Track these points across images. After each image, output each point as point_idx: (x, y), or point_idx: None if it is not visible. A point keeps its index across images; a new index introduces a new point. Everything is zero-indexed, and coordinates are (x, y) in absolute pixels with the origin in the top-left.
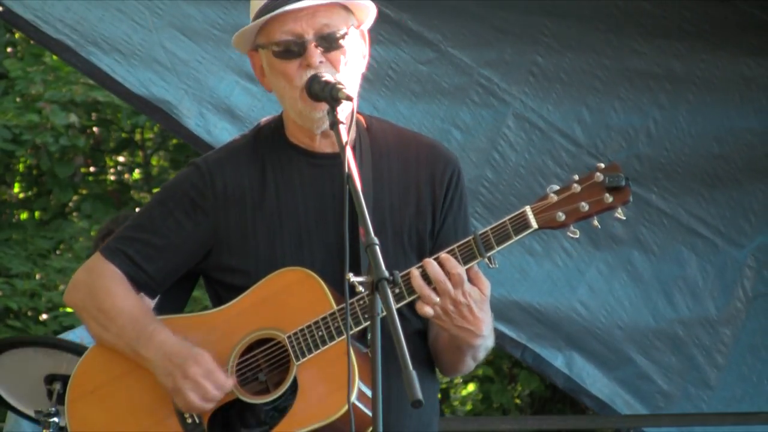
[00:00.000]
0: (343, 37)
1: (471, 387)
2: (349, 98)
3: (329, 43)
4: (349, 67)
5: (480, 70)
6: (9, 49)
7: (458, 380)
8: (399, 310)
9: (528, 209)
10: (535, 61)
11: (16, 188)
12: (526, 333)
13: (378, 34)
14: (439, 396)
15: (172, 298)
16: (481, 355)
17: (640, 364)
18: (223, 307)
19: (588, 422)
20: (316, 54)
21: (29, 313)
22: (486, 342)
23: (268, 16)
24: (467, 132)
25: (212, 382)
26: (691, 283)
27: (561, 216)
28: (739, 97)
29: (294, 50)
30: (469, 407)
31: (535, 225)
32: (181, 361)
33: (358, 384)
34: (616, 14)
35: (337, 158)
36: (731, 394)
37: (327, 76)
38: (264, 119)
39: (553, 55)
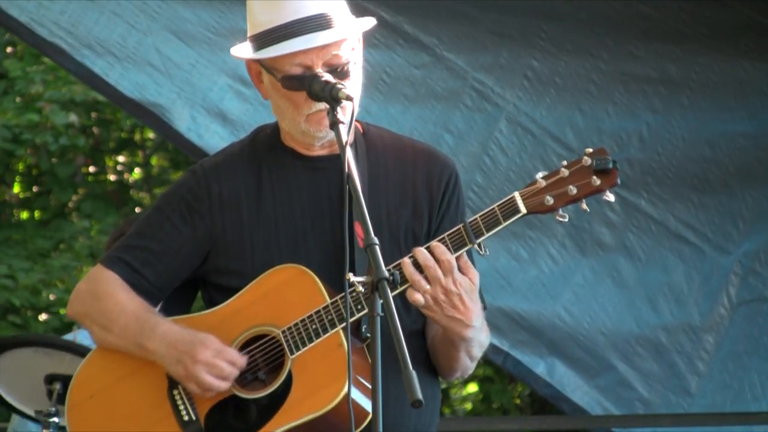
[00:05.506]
0: (351, 63)
1: (471, 387)
2: (349, 98)
3: (339, 74)
4: (354, 81)
5: (474, 74)
6: (9, 49)
7: (458, 380)
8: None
9: (516, 194)
10: (530, 64)
11: (16, 188)
12: (508, 340)
13: (373, 37)
14: None
15: (175, 306)
16: (476, 351)
17: (621, 371)
18: (217, 307)
19: (588, 422)
20: None
21: (29, 313)
22: (479, 336)
23: (275, 54)
24: (459, 136)
25: (224, 359)
26: (676, 290)
27: (549, 200)
28: (733, 100)
29: (303, 82)
30: (469, 407)
31: (523, 210)
32: (188, 348)
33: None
34: (613, 17)
35: (333, 160)
36: (711, 401)
37: (327, 75)
38: (262, 125)
39: (549, 59)
